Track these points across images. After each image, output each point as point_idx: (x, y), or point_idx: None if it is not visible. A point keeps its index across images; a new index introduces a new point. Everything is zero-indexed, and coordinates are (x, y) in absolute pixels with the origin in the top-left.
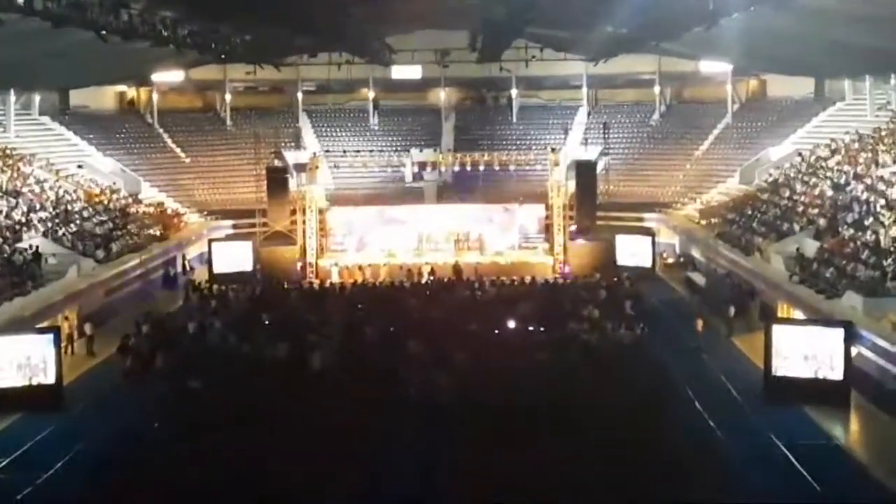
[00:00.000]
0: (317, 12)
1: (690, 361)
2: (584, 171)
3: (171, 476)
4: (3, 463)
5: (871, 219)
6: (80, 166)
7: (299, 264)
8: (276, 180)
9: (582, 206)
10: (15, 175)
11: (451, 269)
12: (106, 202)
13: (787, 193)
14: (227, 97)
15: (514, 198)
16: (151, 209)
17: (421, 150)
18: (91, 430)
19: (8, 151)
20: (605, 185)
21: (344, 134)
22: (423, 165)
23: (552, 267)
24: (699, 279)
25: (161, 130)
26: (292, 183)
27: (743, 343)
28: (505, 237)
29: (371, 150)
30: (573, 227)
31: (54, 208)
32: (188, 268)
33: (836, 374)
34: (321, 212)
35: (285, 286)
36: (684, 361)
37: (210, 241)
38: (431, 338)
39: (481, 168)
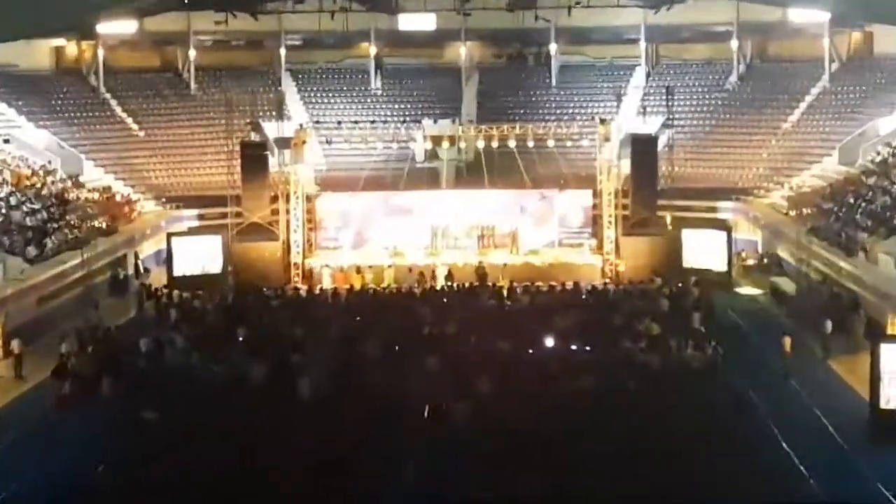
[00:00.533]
0: None
1: (776, 390)
2: (642, 148)
3: None
4: None
5: None
6: (6, 141)
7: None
8: (253, 159)
9: (639, 193)
10: None
11: (474, 272)
12: (39, 186)
13: None
14: (192, 54)
15: (554, 181)
16: (96, 195)
17: (435, 122)
18: (22, 470)
19: None
20: (667, 166)
21: (338, 101)
22: (437, 141)
23: (601, 269)
24: (787, 286)
25: (108, 96)
26: (273, 162)
27: (843, 367)
28: (541, 232)
29: (372, 121)
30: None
31: None
32: (142, 269)
33: None
34: (309, 199)
35: (264, 293)
36: (768, 390)
37: (169, 235)
38: (448, 358)
39: (512, 144)
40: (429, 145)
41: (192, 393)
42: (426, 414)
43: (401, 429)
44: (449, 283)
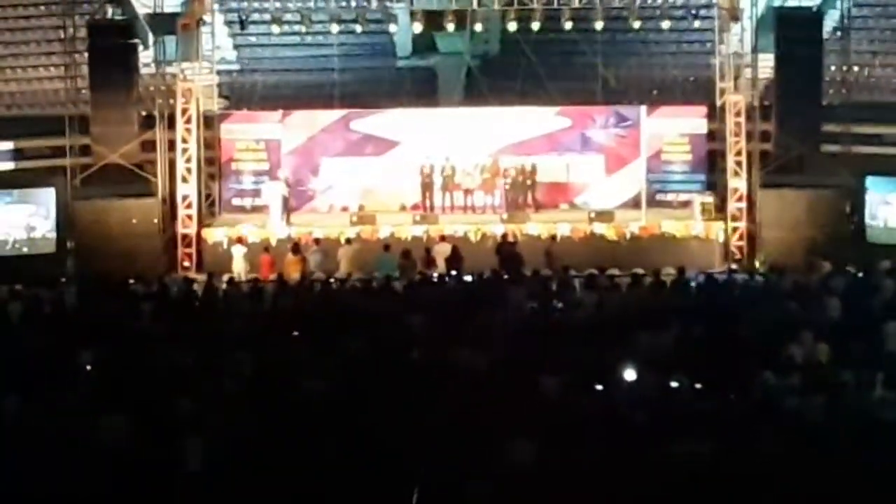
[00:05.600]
0: None
1: None
2: (796, 34)
3: None
4: None
5: None
6: None
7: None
8: (110, 53)
9: (789, 113)
10: None
11: (496, 249)
12: None
13: None
14: None
15: (640, 93)
16: None
17: None
18: None
19: None
20: (840, 66)
21: None
22: (434, 21)
23: (722, 246)
24: None
25: None
26: (145, 58)
27: None
28: (618, 180)
29: None
30: None
31: None
32: None
33: None
34: (209, 124)
35: (130, 287)
36: None
37: None
38: (452, 405)
39: (567, 25)
40: (419, 28)
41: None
42: None
43: None
44: (454, 270)
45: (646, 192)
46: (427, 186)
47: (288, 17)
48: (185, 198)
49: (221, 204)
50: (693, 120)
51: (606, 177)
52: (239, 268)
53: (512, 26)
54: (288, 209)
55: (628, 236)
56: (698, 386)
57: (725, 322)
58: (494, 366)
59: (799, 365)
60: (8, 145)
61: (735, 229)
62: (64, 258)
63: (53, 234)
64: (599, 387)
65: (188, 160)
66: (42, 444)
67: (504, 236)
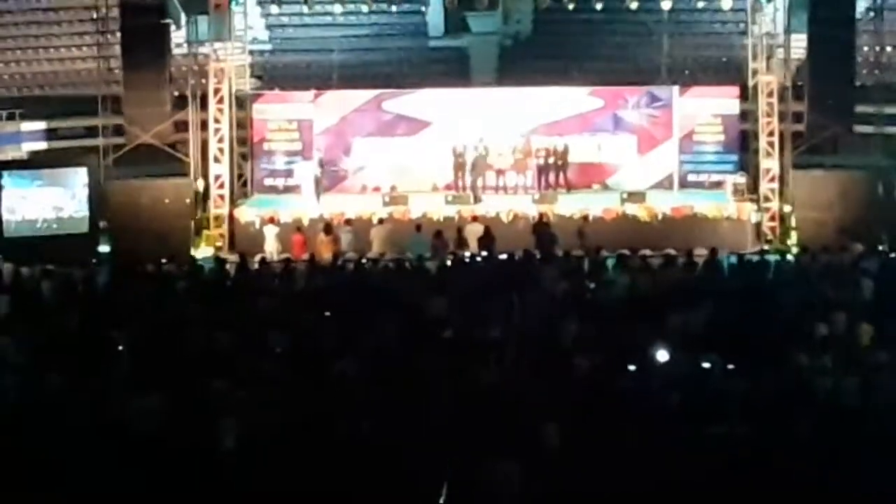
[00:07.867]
0: None
1: None
2: (829, 15)
3: None
4: None
5: None
6: None
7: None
8: (143, 33)
9: (822, 93)
10: None
11: (530, 231)
12: None
13: None
14: None
15: (671, 73)
16: None
17: None
18: None
19: None
20: (873, 47)
21: None
22: (466, 1)
23: (755, 227)
24: None
25: None
26: (177, 38)
27: None
28: (650, 161)
29: None
30: None
31: None
32: None
33: None
34: (242, 103)
35: (163, 267)
36: None
37: None
38: (483, 386)
39: (598, 6)
40: (451, 7)
41: (42, 454)
42: None
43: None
44: (486, 251)
45: (678, 172)
46: (459, 167)
47: None
48: (217, 178)
49: (254, 184)
50: (725, 100)
51: (639, 157)
52: (271, 248)
53: (544, 6)
54: (320, 189)
55: (660, 217)
56: (731, 367)
57: (758, 301)
58: (526, 346)
59: (832, 346)
60: (40, 125)
61: (767, 210)
62: (96, 238)
63: (86, 215)
64: (632, 367)
65: (220, 140)
66: (78, 424)
67: (540, 217)
